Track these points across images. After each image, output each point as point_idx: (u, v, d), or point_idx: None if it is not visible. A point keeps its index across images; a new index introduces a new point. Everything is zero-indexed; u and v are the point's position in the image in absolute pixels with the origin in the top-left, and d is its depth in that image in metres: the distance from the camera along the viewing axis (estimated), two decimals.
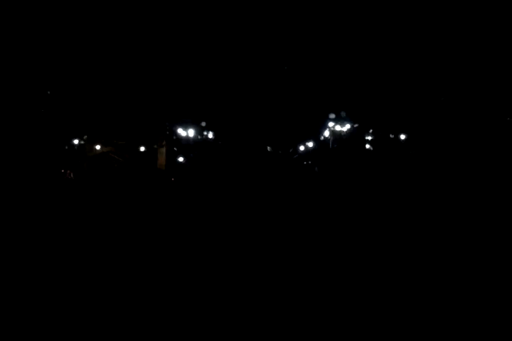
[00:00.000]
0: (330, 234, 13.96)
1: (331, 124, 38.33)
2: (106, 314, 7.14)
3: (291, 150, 44.35)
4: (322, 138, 40.68)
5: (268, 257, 10.87)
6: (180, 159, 39.73)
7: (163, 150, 38.84)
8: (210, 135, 42.10)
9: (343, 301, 7.74)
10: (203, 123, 39.99)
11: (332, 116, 37.92)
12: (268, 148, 43.84)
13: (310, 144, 43.01)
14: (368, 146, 37.86)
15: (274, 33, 35.02)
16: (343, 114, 38.20)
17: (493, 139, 29.11)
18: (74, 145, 37.15)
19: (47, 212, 18.40)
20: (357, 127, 38.04)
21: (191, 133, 38.96)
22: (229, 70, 36.79)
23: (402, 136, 36.13)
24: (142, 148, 38.54)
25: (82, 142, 37.42)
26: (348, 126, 38.14)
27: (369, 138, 38.24)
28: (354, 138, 37.94)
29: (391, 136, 37.16)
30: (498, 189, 22.84)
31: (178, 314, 7.19)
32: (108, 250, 11.66)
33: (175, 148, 39.71)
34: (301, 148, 44.89)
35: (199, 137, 40.55)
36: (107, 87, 34.29)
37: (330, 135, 38.85)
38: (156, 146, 38.39)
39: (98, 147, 37.82)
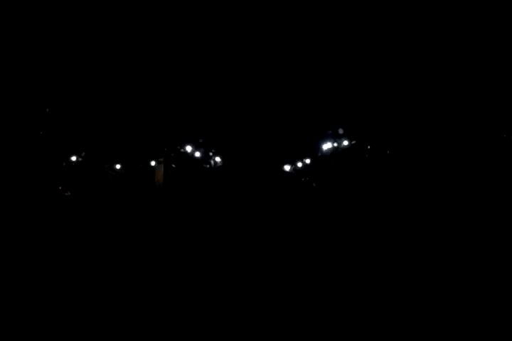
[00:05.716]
0: (325, 246, 13.99)
1: (328, 140, 38.38)
2: (106, 314, 7.17)
3: (289, 167, 44.40)
4: (319, 154, 40.74)
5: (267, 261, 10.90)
6: (178, 175, 39.66)
7: (161, 166, 38.75)
8: (208, 151, 42.13)
9: (342, 301, 7.76)
10: (201, 140, 40.01)
11: (329, 132, 38.01)
12: (266, 164, 43.91)
13: (307, 160, 43.11)
14: (365, 162, 37.87)
15: (276, 50, 35.26)
16: (340, 130, 38.29)
17: (494, 158, 28.94)
18: (71, 161, 36.88)
19: (44, 227, 18.47)
20: (355, 143, 38.09)
21: (189, 149, 39.00)
22: (226, 85, 36.93)
23: (400, 152, 36.11)
24: (140, 165, 38.42)
25: (79, 159, 37.15)
26: (345, 142, 38.21)
27: (367, 154, 38.25)
28: (352, 154, 37.97)
29: (388, 152, 37.16)
30: (499, 207, 22.63)
31: (177, 314, 7.20)
32: (108, 259, 11.69)
33: (173, 165, 39.65)
34: (299, 164, 44.95)
35: (197, 153, 40.56)
36: (106, 102, 34.32)
37: (327, 151, 38.92)
38: (154, 162, 38.28)
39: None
